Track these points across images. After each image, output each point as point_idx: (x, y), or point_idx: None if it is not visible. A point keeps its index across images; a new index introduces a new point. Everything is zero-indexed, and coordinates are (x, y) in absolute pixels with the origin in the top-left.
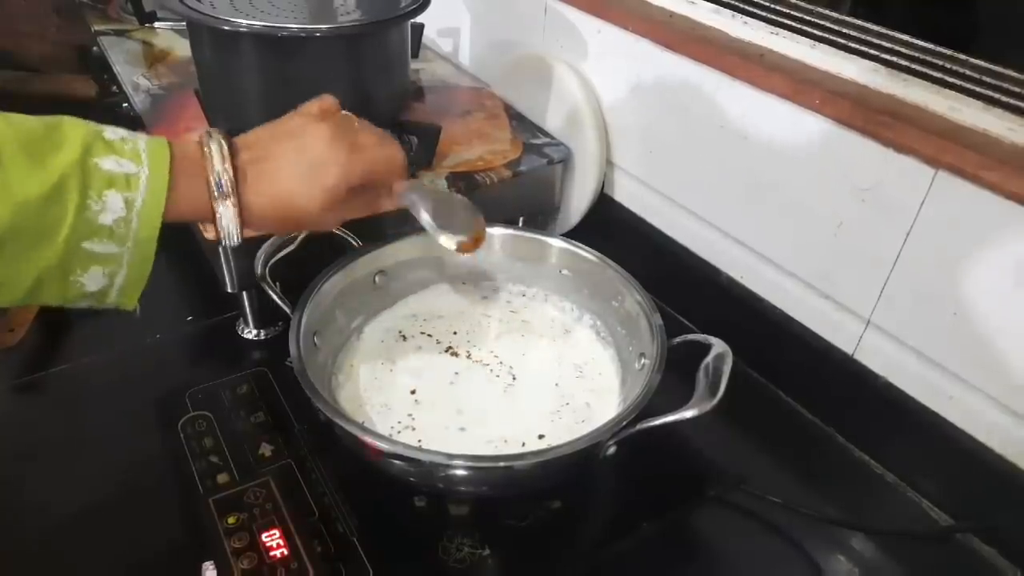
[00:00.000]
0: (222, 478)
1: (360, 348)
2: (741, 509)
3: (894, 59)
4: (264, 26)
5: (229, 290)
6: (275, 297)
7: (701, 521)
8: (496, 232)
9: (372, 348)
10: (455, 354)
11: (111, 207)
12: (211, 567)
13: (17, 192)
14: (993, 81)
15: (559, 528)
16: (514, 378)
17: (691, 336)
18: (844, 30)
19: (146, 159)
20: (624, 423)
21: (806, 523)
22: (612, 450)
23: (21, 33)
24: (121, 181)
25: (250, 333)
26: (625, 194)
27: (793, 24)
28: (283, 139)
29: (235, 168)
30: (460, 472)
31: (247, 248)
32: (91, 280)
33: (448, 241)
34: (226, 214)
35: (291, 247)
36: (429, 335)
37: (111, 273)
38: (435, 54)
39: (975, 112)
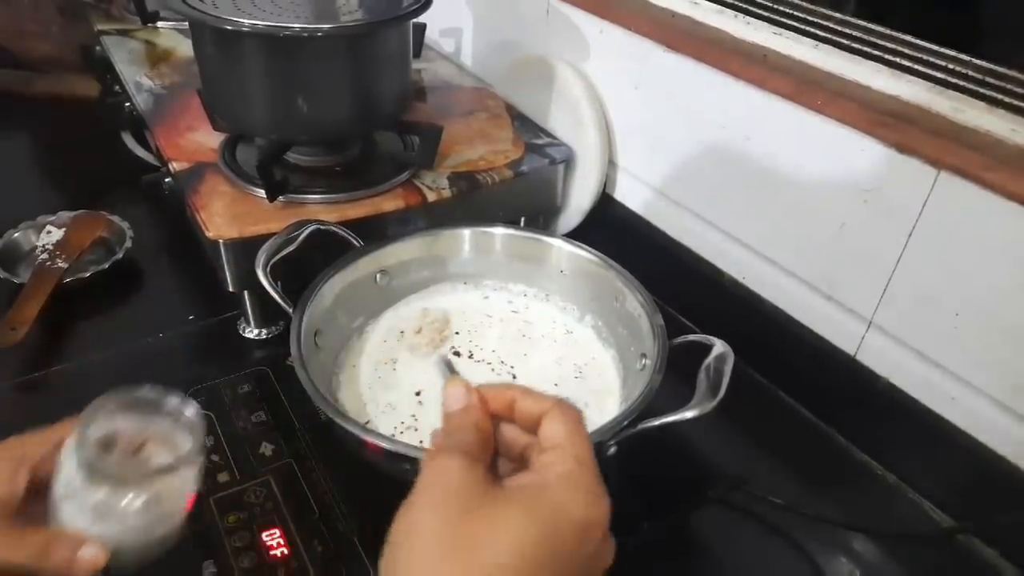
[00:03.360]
0: (222, 477)
1: (362, 348)
2: (742, 510)
3: (897, 60)
4: (266, 26)
5: (230, 289)
6: (276, 296)
7: (702, 522)
8: (498, 232)
9: (374, 348)
10: (457, 353)
11: None
12: (211, 566)
13: None
14: (996, 82)
15: None
16: (515, 378)
17: (692, 336)
18: (847, 31)
19: None
20: (625, 423)
21: (807, 524)
22: (613, 450)
23: (24, 33)
24: None
25: (251, 332)
26: (627, 194)
27: (796, 25)
28: None
29: None
30: None
31: (248, 248)
32: None
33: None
34: None
35: (292, 247)
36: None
37: None
38: (437, 54)
39: (978, 113)
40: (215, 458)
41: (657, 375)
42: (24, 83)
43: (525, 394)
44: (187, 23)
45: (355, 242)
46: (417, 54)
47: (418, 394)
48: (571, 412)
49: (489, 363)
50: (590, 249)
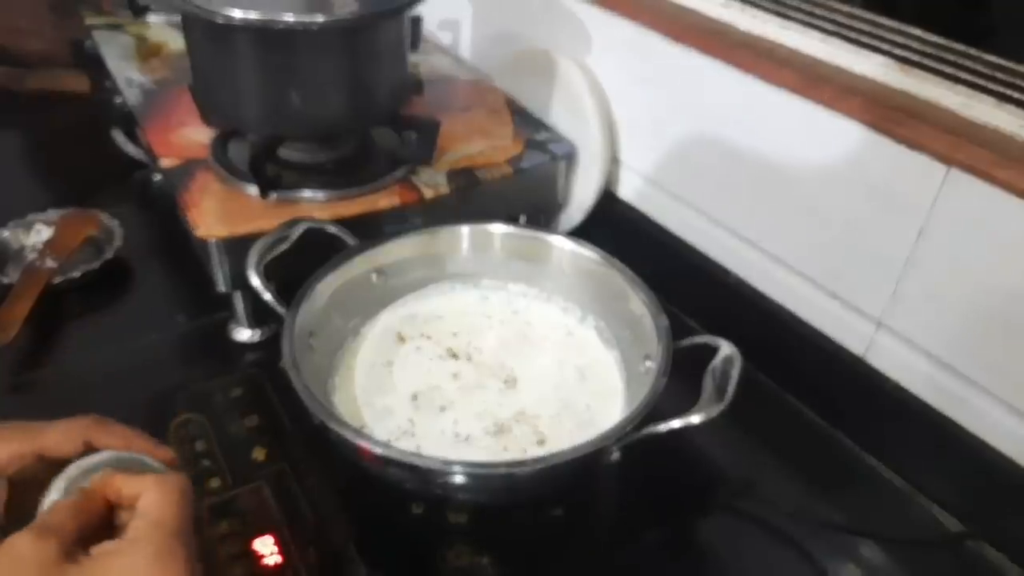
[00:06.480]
0: (214, 483)
1: (357, 349)
2: (748, 516)
3: (906, 54)
4: (259, 19)
5: (222, 290)
6: (268, 297)
7: (707, 528)
8: (497, 230)
9: (370, 349)
10: (455, 356)
11: None
12: None
13: None
14: (1006, 78)
15: (561, 536)
16: (515, 381)
17: (698, 338)
18: (856, 24)
19: None
20: (628, 428)
21: (814, 529)
22: (616, 456)
23: (15, 29)
24: None
25: (243, 334)
26: (631, 191)
27: (804, 18)
28: None
29: None
30: (459, 479)
31: (239, 247)
32: None
33: None
34: None
35: (284, 246)
36: (429, 336)
37: None
38: (435, 47)
39: (988, 109)
40: (206, 463)
41: (662, 378)
42: (15, 80)
43: (125, 479)
44: (178, 16)
45: (350, 241)
46: (414, 47)
47: (415, 397)
48: (166, 483)
49: (488, 366)
50: (592, 247)
